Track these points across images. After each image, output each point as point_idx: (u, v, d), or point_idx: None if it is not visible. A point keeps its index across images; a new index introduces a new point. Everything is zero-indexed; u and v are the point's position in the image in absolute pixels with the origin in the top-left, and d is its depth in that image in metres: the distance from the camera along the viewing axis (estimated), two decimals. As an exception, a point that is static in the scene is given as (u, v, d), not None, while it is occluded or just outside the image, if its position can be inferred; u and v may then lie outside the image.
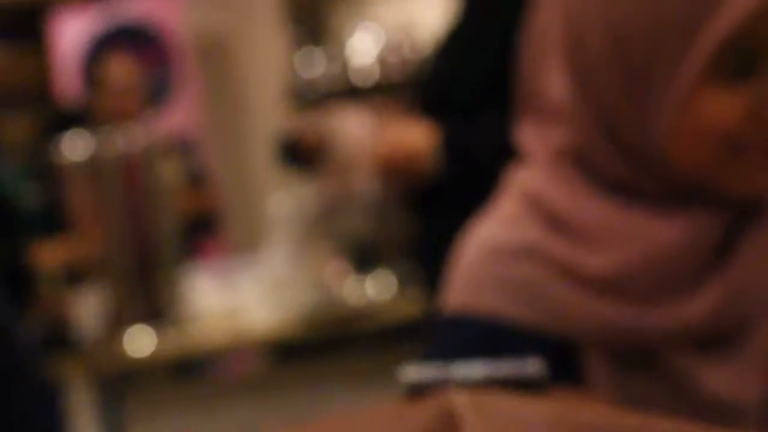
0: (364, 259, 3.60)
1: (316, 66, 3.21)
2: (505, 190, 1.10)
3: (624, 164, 1.01)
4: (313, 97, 3.31)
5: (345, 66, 3.15)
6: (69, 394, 3.18)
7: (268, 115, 6.32)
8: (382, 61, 3.15)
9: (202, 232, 4.44)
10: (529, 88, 1.07)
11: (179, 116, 6.04)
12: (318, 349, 3.63)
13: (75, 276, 3.44)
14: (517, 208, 1.06)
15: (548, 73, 1.04)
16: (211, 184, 4.37)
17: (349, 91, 3.22)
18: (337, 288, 3.43)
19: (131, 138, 3.36)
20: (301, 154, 3.66)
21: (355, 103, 3.69)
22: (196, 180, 4.32)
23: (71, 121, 4.24)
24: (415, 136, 2.22)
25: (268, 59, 6.53)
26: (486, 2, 2.16)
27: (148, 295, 3.25)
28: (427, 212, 2.29)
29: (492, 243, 1.05)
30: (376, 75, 3.21)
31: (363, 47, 3.20)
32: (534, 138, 1.07)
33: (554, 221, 1.03)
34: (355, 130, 3.86)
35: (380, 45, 3.19)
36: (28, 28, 6.40)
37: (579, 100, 1.01)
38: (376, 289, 3.46)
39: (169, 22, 6.21)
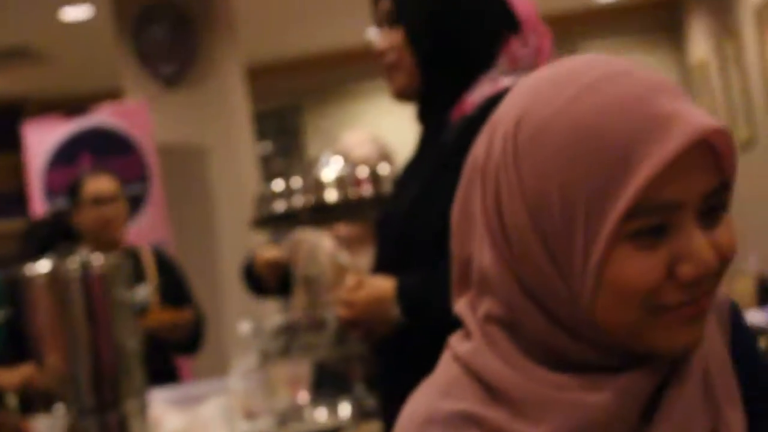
0: (326, 384, 3.57)
1: (286, 184, 3.20)
2: (444, 357, 1.11)
3: (552, 331, 1.03)
4: (282, 216, 3.29)
5: (314, 185, 3.13)
6: None
7: (237, 236, 6.33)
8: (350, 180, 3.13)
9: (179, 352, 4.40)
10: (459, 254, 1.10)
11: (150, 228, 6.03)
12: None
13: (32, 400, 3.38)
14: (452, 376, 1.07)
15: (475, 240, 1.07)
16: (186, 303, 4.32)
17: (317, 210, 3.20)
18: (298, 413, 3.38)
19: (97, 255, 3.33)
20: (262, 281, 3.66)
21: (323, 224, 3.68)
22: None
23: (53, 236, 4.22)
24: (380, 283, 2.22)
25: (239, 172, 6.55)
26: (441, 145, 2.17)
27: (106, 421, 3.20)
28: (389, 356, 2.28)
29: (426, 413, 1.05)
30: (344, 195, 3.19)
31: (333, 166, 3.19)
32: (466, 305, 1.10)
33: (487, 390, 1.04)
34: (322, 254, 3.86)
35: (350, 165, 3.18)
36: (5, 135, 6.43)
37: (504, 268, 1.04)
38: (336, 415, 3.41)
39: (141, 132, 6.22)
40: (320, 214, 3.31)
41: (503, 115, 1.04)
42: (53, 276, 3.25)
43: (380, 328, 2.21)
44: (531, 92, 1.03)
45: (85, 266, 3.26)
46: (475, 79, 2.19)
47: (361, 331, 2.25)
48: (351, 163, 3.36)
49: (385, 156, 3.71)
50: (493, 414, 1.03)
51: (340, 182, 3.22)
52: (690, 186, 0.98)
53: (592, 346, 1.03)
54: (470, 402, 1.04)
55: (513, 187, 1.01)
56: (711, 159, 0.99)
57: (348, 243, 3.76)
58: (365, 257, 3.72)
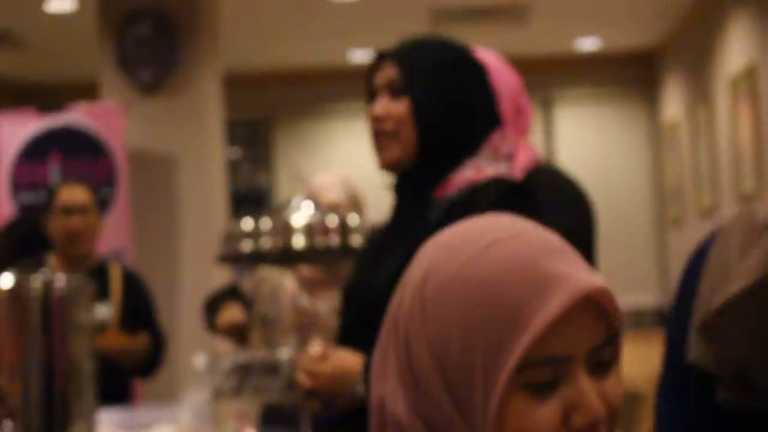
0: (273, 421, 3.58)
1: (255, 225, 3.21)
2: None
3: None
4: (247, 254, 3.29)
5: (283, 229, 3.15)
6: None
7: (201, 247, 6.33)
8: (319, 228, 3.15)
9: (133, 374, 4.38)
10: (376, 398, 1.15)
11: (113, 233, 6.00)
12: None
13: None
14: None
15: (390, 386, 1.13)
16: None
17: (283, 254, 3.22)
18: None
19: (60, 275, 3.33)
20: (221, 325, 3.69)
21: (287, 265, 3.69)
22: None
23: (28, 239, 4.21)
24: (347, 358, 2.23)
25: (208, 183, 6.54)
26: (426, 224, 2.18)
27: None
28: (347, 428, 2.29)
29: None
30: (311, 242, 3.20)
31: (303, 212, 3.20)
32: None
33: None
34: (283, 295, 3.88)
35: (319, 212, 3.20)
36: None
37: (414, 413, 1.10)
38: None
39: (113, 135, 6.20)
40: (286, 257, 3.34)
41: (414, 269, 1.13)
42: (14, 293, 3.25)
43: (340, 402, 2.23)
44: (439, 249, 1.12)
45: (48, 286, 3.26)
46: (461, 161, 2.22)
47: (318, 403, 2.26)
48: (321, 210, 3.38)
49: (355, 201, 3.73)
50: None
51: (309, 229, 3.25)
52: (578, 341, 1.07)
53: None
54: None
55: (420, 335, 1.08)
56: (597, 315, 1.08)
57: (310, 285, 3.78)
58: (326, 300, 3.73)
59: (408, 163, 2.24)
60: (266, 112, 10.69)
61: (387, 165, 2.26)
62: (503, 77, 2.50)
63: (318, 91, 10.54)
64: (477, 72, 2.27)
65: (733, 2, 7.66)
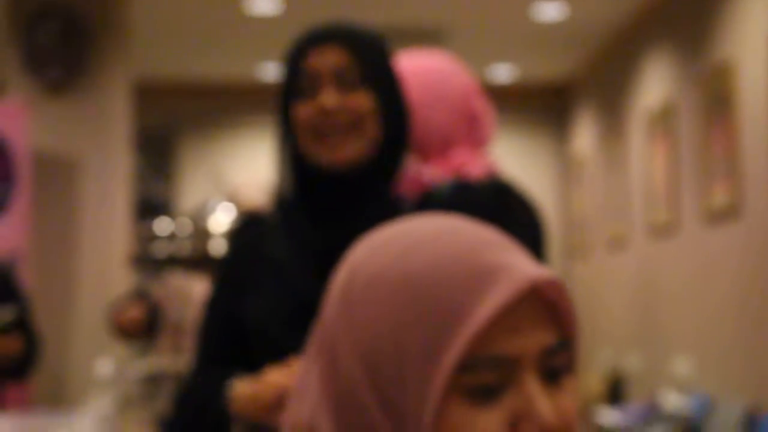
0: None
1: (171, 227, 3.06)
2: None
3: None
4: (155, 259, 3.14)
5: (202, 233, 3.01)
6: None
7: (99, 253, 6.13)
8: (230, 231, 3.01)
9: (6, 377, 4.15)
10: (294, 421, 1.03)
11: (7, 234, 5.79)
12: None
13: None
14: None
15: (310, 404, 1.01)
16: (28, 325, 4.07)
17: (201, 258, 3.07)
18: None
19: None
20: (124, 331, 3.52)
21: (202, 271, 3.55)
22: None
23: None
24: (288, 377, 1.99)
25: (110, 189, 6.36)
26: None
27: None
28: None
29: None
30: (222, 246, 3.06)
31: (222, 215, 3.06)
32: None
33: None
34: (194, 301, 3.72)
35: (240, 217, 3.05)
36: None
37: (341, 428, 0.98)
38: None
39: (16, 134, 5.99)
40: (203, 262, 3.19)
41: (340, 273, 1.03)
42: None
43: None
44: (365, 249, 1.02)
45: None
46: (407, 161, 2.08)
47: (258, 418, 2.03)
48: (242, 214, 3.24)
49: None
50: None
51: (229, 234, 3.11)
52: (525, 341, 0.95)
53: None
54: None
55: (346, 338, 0.98)
56: (546, 314, 0.97)
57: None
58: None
59: (367, 160, 2.03)
60: (172, 121, 10.53)
61: (343, 161, 2.03)
62: (449, 83, 2.33)
63: (225, 104, 10.42)
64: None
65: (650, 39, 7.71)
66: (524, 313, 0.96)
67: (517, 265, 0.96)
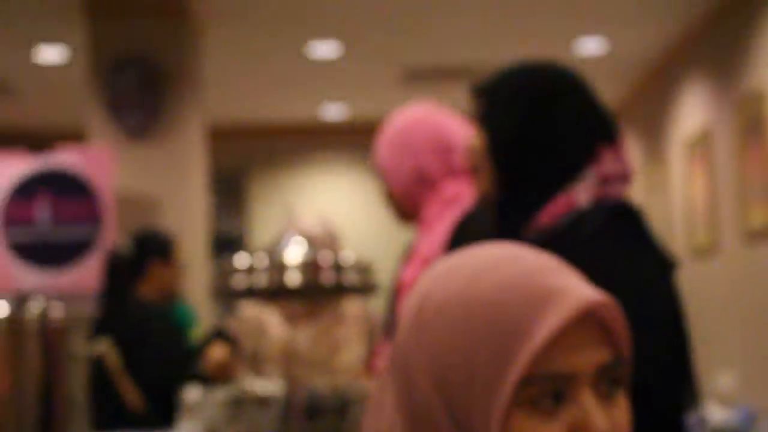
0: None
1: (249, 262, 3.10)
2: None
3: None
4: (234, 291, 3.18)
5: (278, 266, 3.04)
6: None
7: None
8: (312, 266, 3.04)
9: None
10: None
11: (96, 272, 5.87)
12: None
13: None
14: None
15: (387, 419, 1.04)
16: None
17: (272, 290, 3.10)
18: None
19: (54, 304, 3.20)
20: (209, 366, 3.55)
21: (279, 302, 3.57)
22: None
23: None
24: None
25: (190, 227, 6.43)
26: None
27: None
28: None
29: None
30: (307, 281, 3.09)
31: (296, 249, 3.09)
32: None
33: None
34: (269, 330, 3.76)
35: (312, 250, 3.09)
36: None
37: None
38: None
39: (101, 177, 6.08)
40: (279, 293, 3.22)
41: (411, 300, 1.06)
42: (11, 321, 3.12)
43: None
44: (434, 276, 1.05)
45: (44, 315, 3.13)
46: (556, 192, 1.96)
47: None
48: (314, 248, 3.28)
49: (331, 238, 3.62)
50: None
51: (304, 267, 3.14)
52: (581, 358, 0.99)
53: None
54: None
55: (418, 359, 1.01)
56: (601, 333, 1.00)
57: (291, 318, 3.68)
58: (306, 332, 3.64)
59: (495, 196, 2.01)
60: (244, 163, 10.61)
61: (483, 196, 2.04)
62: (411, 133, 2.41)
63: (292, 144, 10.48)
64: (566, 96, 2.05)
65: (686, 69, 7.69)
66: (581, 333, 0.99)
67: (574, 289, 0.99)
